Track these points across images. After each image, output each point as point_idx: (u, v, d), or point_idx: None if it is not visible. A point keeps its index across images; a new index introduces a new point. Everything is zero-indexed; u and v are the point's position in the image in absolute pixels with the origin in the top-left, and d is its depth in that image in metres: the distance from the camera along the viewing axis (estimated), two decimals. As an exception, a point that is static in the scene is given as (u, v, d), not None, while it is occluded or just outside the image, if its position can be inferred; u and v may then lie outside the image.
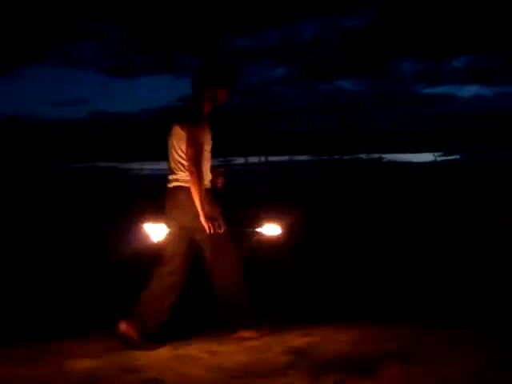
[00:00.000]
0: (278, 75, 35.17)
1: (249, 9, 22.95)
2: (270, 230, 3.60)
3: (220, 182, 3.66)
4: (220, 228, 3.36)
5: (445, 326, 3.62)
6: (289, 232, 3.77)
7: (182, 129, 3.47)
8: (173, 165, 3.54)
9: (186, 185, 3.45)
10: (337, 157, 13.36)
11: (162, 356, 3.34)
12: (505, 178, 11.69)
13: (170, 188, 3.55)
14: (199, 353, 3.33)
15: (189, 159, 3.41)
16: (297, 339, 3.50)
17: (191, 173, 3.39)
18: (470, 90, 40.69)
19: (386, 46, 27.65)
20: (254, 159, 12.05)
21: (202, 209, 3.35)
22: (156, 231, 3.51)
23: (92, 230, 7.52)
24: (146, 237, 3.53)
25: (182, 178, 3.49)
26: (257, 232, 3.59)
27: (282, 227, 3.61)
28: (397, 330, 3.55)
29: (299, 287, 4.83)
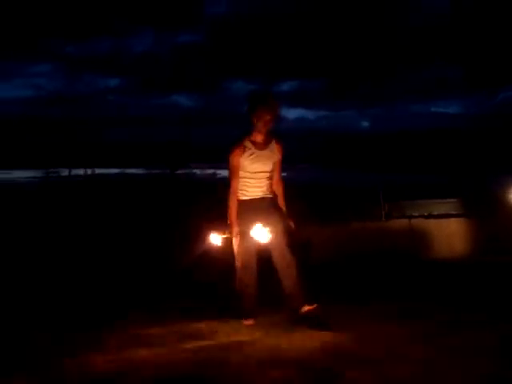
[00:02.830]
0: (111, 86, 34.18)
1: (80, 15, 22.15)
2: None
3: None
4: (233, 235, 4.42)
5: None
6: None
7: None
8: None
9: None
10: (168, 171, 13.14)
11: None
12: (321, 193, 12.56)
13: None
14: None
15: None
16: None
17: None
18: (295, 112, 42.81)
19: (220, 64, 28.13)
20: (79, 171, 11.46)
21: (229, 217, 4.46)
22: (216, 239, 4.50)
23: None
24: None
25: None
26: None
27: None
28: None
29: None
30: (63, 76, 33.24)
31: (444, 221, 11.06)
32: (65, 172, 11.49)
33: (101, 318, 4.90)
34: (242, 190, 4.57)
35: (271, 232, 4.27)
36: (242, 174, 4.53)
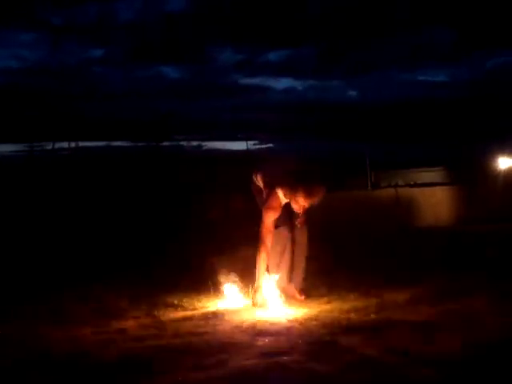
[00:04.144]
0: (95, 56, 33.67)
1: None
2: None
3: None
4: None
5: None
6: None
7: None
8: None
9: None
10: (154, 143, 12.97)
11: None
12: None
13: None
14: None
15: None
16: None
17: None
18: (283, 82, 42.73)
19: (208, 33, 27.84)
20: (63, 144, 11.24)
21: (257, 278, 4.03)
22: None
23: None
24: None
25: None
26: None
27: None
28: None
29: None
30: (47, 46, 32.66)
31: (429, 189, 11.12)
32: (49, 145, 11.29)
33: (84, 292, 4.83)
34: None
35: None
36: None
